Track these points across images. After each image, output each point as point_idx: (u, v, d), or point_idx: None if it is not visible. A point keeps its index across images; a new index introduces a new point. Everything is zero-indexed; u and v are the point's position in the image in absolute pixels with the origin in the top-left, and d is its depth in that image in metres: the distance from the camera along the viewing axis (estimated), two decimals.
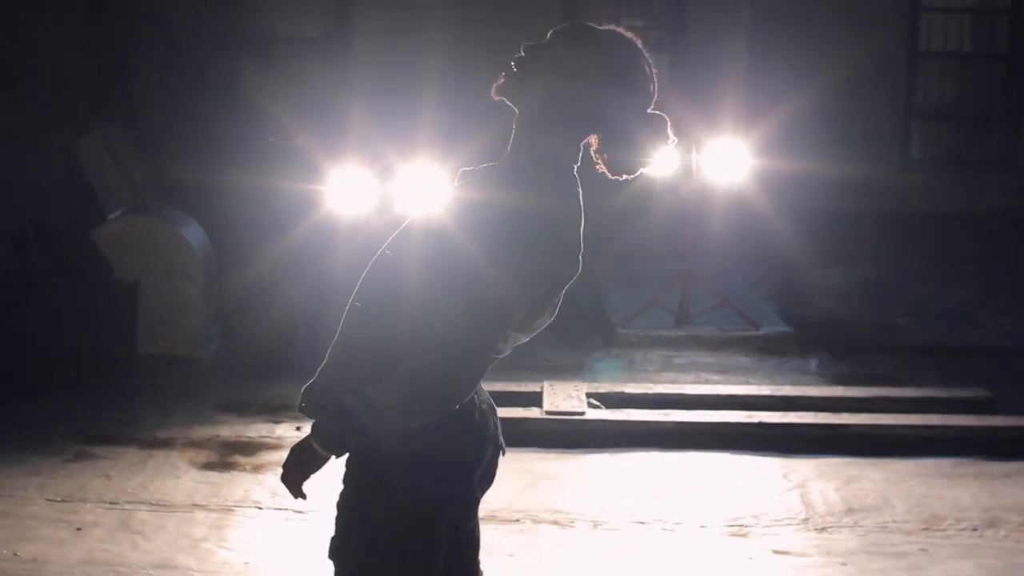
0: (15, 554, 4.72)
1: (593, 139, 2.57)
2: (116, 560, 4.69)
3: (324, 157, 8.41)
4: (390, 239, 2.54)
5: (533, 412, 6.25)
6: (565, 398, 6.40)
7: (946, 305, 9.36)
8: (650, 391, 6.74)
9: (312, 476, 2.48)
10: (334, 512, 2.57)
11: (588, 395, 6.50)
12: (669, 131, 2.54)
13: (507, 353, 2.53)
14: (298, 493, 2.50)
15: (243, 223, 8.71)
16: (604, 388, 6.73)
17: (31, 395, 6.80)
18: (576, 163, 2.53)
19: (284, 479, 2.50)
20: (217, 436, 6.21)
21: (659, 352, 7.92)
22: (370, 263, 2.54)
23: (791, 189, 10.05)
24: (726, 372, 7.56)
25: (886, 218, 10.83)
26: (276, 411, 6.62)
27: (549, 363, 7.32)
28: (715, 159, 8.15)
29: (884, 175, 11.01)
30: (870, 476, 5.72)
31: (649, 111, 2.54)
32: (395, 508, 2.47)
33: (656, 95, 2.54)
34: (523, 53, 2.52)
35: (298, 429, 6.28)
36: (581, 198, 2.50)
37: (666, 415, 6.28)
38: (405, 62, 10.48)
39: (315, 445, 2.43)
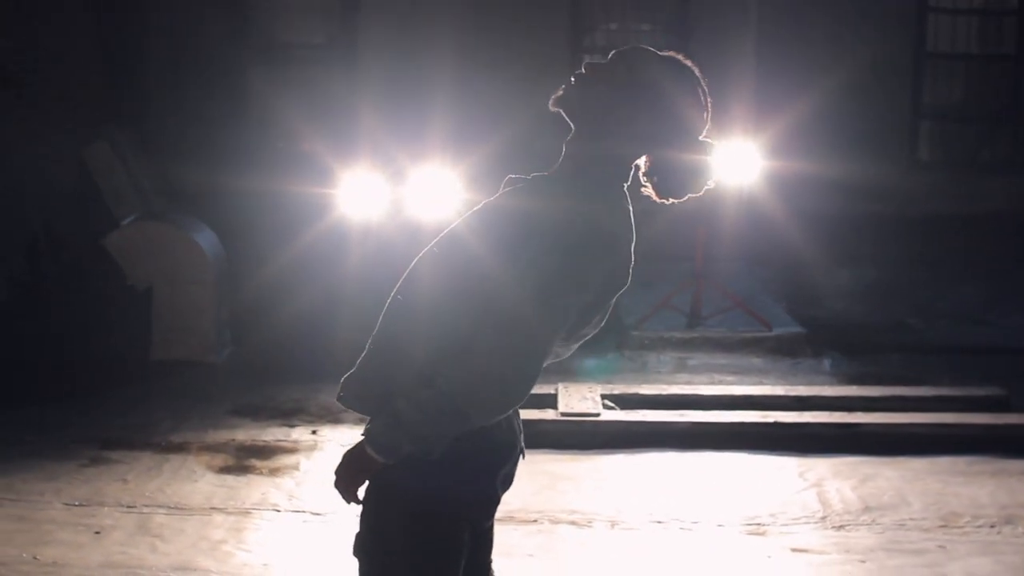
0: (35, 557, 4.72)
1: (643, 161, 2.59)
2: (135, 563, 4.69)
3: (335, 161, 8.44)
4: (440, 236, 2.54)
5: (548, 414, 6.25)
6: (580, 399, 6.41)
7: (955, 305, 9.36)
8: (665, 392, 6.75)
9: (366, 481, 2.48)
10: (357, 511, 2.56)
11: (603, 396, 6.51)
12: (715, 159, 2.56)
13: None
14: (351, 498, 2.50)
15: (255, 227, 8.72)
16: (618, 389, 6.73)
17: (45, 400, 6.81)
18: (626, 181, 2.56)
19: (337, 484, 2.50)
20: (232, 440, 6.21)
21: (672, 353, 7.93)
22: (417, 257, 2.54)
23: (800, 190, 10.05)
24: (740, 373, 7.56)
25: (894, 219, 10.82)
26: (290, 414, 6.63)
27: (562, 365, 7.30)
28: (726, 161, 8.14)
29: (892, 176, 11.01)
30: (886, 474, 5.72)
31: (700, 138, 2.57)
32: (420, 507, 2.46)
33: (709, 123, 2.57)
34: (583, 70, 2.56)
35: (313, 433, 6.29)
36: (632, 214, 2.52)
37: (681, 415, 6.28)
38: (413, 66, 10.49)
39: (369, 451, 2.43)
